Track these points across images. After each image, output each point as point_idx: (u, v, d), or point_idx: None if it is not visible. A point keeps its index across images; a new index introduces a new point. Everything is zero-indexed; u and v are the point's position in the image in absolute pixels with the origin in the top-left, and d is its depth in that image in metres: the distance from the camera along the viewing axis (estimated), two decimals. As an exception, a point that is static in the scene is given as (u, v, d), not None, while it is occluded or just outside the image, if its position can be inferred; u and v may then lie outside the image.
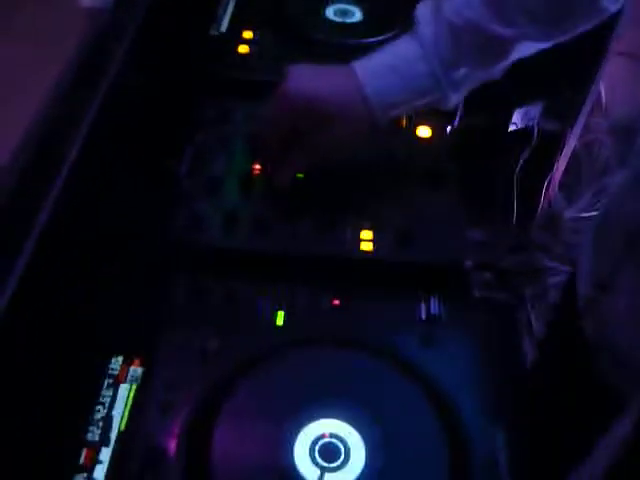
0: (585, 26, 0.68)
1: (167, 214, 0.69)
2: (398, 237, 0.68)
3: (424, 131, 0.81)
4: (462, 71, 0.67)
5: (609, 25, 1.20)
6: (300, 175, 0.73)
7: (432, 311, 0.62)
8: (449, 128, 0.85)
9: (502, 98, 1.22)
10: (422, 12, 0.68)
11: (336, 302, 0.63)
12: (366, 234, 0.69)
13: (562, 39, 0.68)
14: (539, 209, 1.54)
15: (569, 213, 1.68)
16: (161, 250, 0.67)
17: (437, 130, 0.82)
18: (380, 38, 0.92)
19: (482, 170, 1.28)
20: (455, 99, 0.69)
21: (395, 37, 0.92)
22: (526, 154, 1.41)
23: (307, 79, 0.69)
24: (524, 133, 1.38)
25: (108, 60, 0.71)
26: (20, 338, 0.53)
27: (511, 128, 1.37)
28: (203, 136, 0.78)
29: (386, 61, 0.69)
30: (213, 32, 0.93)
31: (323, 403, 0.57)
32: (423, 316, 0.62)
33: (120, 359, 0.60)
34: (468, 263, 0.68)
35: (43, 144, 0.63)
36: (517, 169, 1.42)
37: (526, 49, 0.68)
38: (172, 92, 0.83)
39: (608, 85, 1.63)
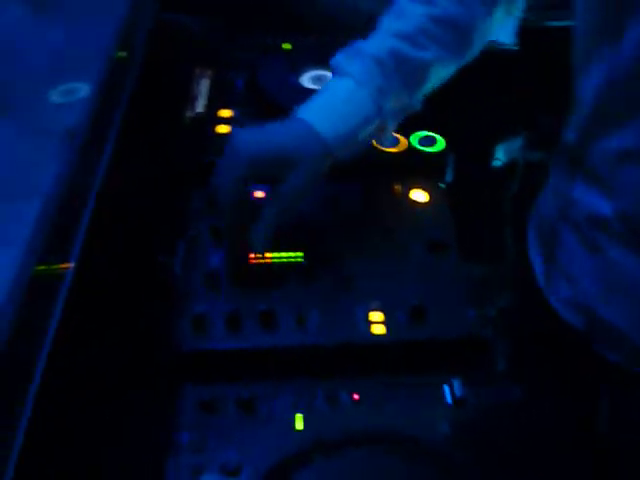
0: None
1: (166, 318, 0.66)
2: (409, 315, 0.65)
3: (419, 194, 0.79)
4: (392, 99, 0.70)
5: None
6: (300, 259, 0.71)
7: (457, 394, 0.59)
8: (443, 185, 0.83)
9: (485, 140, 1.20)
10: (339, 60, 0.71)
11: (356, 397, 0.60)
12: (376, 316, 0.66)
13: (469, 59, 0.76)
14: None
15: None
16: (165, 362, 0.64)
17: (432, 191, 0.80)
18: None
19: (475, 209, 1.27)
20: (391, 130, 0.73)
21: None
22: (514, 188, 1.39)
23: (254, 133, 0.67)
24: (509, 168, 1.37)
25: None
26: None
27: (495, 164, 1.35)
28: (194, 228, 0.75)
29: (326, 99, 0.69)
30: (189, 114, 0.91)
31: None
32: (449, 400, 0.59)
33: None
34: (487, 332, 0.66)
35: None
36: (507, 202, 1.40)
37: (442, 72, 0.74)
38: (157, 184, 0.81)
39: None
